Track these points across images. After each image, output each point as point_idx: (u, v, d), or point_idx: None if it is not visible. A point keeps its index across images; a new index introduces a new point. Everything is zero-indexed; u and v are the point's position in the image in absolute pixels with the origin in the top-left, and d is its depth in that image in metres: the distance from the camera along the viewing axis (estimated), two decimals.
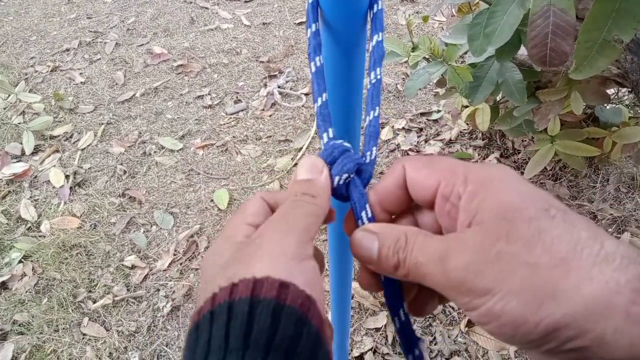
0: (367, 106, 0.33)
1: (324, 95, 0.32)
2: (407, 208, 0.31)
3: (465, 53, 1.19)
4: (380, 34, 0.34)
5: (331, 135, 0.32)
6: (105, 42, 2.58)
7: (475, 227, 0.24)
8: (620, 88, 1.40)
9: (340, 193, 0.31)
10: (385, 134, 1.86)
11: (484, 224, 0.24)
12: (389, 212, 0.31)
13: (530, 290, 0.22)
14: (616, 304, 0.20)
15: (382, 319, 1.27)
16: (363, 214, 0.29)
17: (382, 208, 0.30)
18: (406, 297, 0.30)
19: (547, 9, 0.68)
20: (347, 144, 0.31)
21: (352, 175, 0.30)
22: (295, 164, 1.77)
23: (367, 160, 0.31)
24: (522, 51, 1.03)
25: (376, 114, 0.33)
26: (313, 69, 0.33)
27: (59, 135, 1.99)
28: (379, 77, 0.33)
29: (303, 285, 0.23)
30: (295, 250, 0.24)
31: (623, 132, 1.27)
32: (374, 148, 0.32)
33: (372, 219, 0.30)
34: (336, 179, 0.30)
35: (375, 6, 0.33)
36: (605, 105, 1.42)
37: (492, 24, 0.77)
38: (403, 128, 1.89)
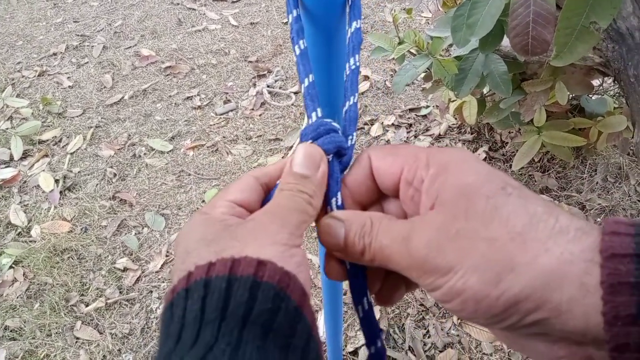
0: (346, 92, 0.33)
1: (310, 76, 0.32)
2: (375, 199, 0.31)
3: (451, 46, 1.20)
4: (358, 21, 0.34)
5: (320, 115, 0.31)
6: (93, 46, 2.56)
7: (437, 208, 0.25)
8: (605, 79, 1.42)
9: None
10: (375, 130, 1.87)
11: (445, 205, 0.24)
12: (359, 203, 0.31)
13: (489, 265, 0.22)
14: (570, 273, 0.21)
15: (376, 313, 1.27)
16: (333, 200, 0.29)
17: (352, 200, 0.31)
18: (373, 288, 0.31)
19: None
20: (335, 124, 0.31)
21: (329, 157, 0.30)
22: None
23: (348, 145, 0.32)
24: (506, 43, 1.04)
25: (355, 100, 0.33)
26: (297, 52, 0.33)
27: (47, 140, 1.97)
28: (357, 63, 0.34)
29: (291, 268, 0.24)
30: (288, 240, 0.25)
31: (608, 121, 1.29)
32: (354, 133, 0.32)
33: (341, 207, 0.30)
34: None
35: None
36: (590, 95, 1.44)
37: (475, 14, 0.77)
38: (392, 124, 1.90)
